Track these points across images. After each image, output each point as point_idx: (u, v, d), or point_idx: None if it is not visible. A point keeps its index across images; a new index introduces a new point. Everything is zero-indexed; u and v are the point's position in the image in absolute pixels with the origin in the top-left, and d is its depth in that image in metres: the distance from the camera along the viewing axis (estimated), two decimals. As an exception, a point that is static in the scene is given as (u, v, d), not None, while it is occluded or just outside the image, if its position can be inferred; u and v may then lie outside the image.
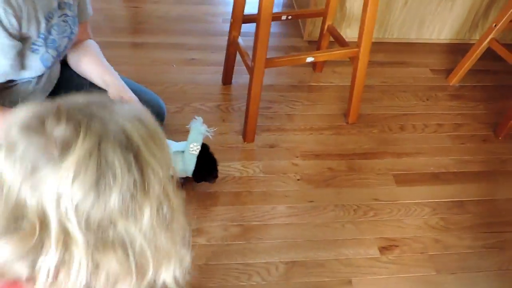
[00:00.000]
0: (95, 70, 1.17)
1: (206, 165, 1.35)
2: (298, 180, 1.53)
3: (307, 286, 1.27)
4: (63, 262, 0.45)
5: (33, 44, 0.99)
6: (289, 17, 1.69)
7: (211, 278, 1.26)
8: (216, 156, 1.40)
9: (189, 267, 0.56)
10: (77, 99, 0.49)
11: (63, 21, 1.06)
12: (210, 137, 1.33)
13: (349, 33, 2.02)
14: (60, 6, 1.04)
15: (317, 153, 1.62)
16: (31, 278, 0.46)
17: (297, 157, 1.60)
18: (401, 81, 1.96)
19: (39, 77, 1.08)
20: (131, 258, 0.47)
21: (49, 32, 1.01)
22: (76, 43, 1.18)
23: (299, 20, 2.14)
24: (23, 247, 0.44)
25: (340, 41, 1.67)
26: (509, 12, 1.70)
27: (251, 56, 1.44)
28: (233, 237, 1.35)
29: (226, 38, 1.71)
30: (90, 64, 1.18)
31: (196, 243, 1.32)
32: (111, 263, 0.46)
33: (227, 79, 1.80)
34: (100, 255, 0.45)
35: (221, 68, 1.81)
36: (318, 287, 1.27)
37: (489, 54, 1.86)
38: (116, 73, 1.18)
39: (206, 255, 1.30)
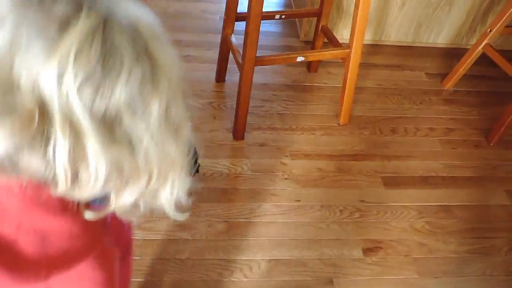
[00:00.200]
0: None
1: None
2: (286, 179, 1.53)
3: (289, 284, 1.28)
4: (77, 157, 0.40)
5: None
6: (283, 17, 1.69)
7: (194, 273, 1.26)
8: (205, 153, 1.40)
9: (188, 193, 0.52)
10: None
11: None
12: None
13: (346, 34, 2.02)
14: None
15: (307, 153, 1.62)
16: (52, 181, 0.42)
17: (286, 156, 1.60)
18: (395, 84, 1.96)
19: None
20: (139, 159, 0.43)
21: None
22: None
23: (297, 20, 2.14)
24: (22, 134, 0.39)
25: (333, 42, 1.68)
26: (504, 18, 1.70)
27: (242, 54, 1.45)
28: (218, 234, 1.35)
29: (221, 35, 1.72)
30: None
31: (180, 237, 1.33)
32: (121, 161, 0.42)
33: (220, 76, 1.81)
34: (110, 151, 0.41)
35: (215, 66, 1.82)
36: (299, 286, 1.28)
37: (485, 60, 1.86)
38: None
39: (189, 249, 1.30)
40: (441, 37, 2.14)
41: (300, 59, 1.49)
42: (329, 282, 1.29)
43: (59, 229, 0.50)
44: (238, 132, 1.59)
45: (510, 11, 1.68)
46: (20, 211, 0.47)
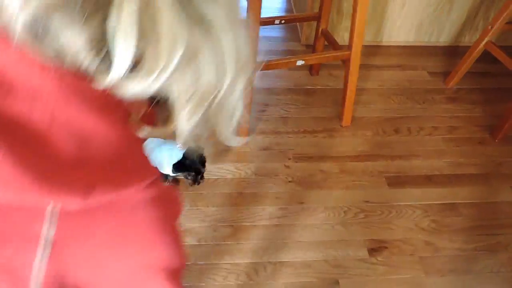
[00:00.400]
0: None
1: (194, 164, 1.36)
2: (290, 182, 1.54)
3: (295, 286, 1.29)
4: (146, 25, 0.28)
5: None
6: (282, 22, 1.71)
7: (200, 277, 1.28)
8: (210, 157, 1.42)
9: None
10: None
11: None
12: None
13: (347, 36, 2.01)
14: None
15: (310, 155, 1.63)
16: (101, 65, 0.30)
17: (289, 159, 1.61)
18: (398, 84, 1.97)
19: None
20: (213, 47, 0.33)
21: None
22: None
23: (298, 24, 2.16)
24: None
25: (333, 45, 1.69)
26: (505, 14, 1.70)
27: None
28: (223, 238, 1.37)
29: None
30: None
31: (186, 243, 1.34)
32: (196, 46, 0.32)
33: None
34: (186, 26, 0.31)
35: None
36: (305, 287, 1.29)
37: (487, 56, 1.86)
38: None
39: (195, 254, 1.32)
40: (442, 36, 2.14)
41: (300, 62, 1.51)
42: (335, 283, 1.30)
43: (102, 134, 0.40)
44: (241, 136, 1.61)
45: (510, 8, 1.68)
46: (55, 99, 0.37)
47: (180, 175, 1.37)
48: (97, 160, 0.40)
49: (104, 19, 0.28)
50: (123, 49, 0.29)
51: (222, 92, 0.36)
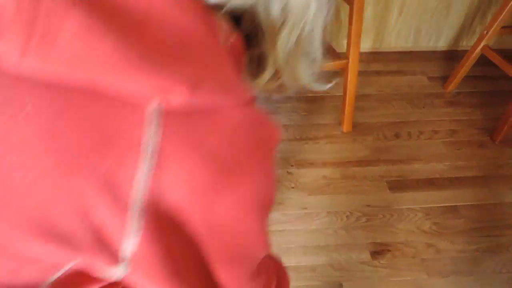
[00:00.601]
0: None
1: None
2: (293, 188, 1.57)
3: (299, 290, 1.31)
4: None
5: None
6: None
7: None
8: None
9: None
10: None
11: None
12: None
13: (345, 44, 2.07)
14: None
15: (312, 161, 1.67)
16: None
17: (292, 165, 1.65)
18: (397, 90, 2.00)
19: None
20: None
21: None
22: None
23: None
24: None
25: (331, 53, 1.73)
26: (499, 19, 1.73)
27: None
28: (228, 244, 1.40)
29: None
30: None
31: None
32: None
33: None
34: None
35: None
36: (309, 291, 1.31)
37: (485, 60, 1.88)
38: None
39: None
40: (441, 41, 2.18)
41: (299, 71, 1.54)
42: (339, 286, 1.32)
43: (199, 38, 0.36)
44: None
45: (504, 12, 1.71)
46: None
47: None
48: (199, 62, 0.35)
49: None
50: None
51: (309, 21, 0.36)
